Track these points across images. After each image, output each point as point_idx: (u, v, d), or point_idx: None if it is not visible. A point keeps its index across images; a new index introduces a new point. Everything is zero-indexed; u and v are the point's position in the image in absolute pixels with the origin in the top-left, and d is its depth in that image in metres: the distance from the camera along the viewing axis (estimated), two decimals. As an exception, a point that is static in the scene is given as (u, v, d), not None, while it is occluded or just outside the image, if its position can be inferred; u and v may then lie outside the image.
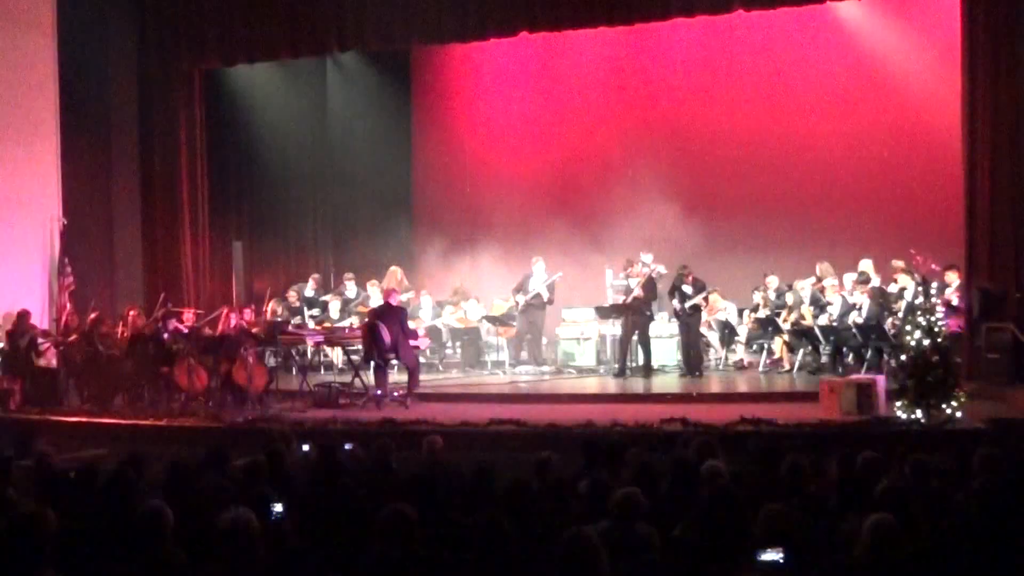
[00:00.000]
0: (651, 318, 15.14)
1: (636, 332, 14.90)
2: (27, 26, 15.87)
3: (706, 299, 14.97)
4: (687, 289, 14.76)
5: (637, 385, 14.36)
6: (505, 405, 12.60)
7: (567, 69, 18.00)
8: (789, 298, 14.93)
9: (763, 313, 15.12)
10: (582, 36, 16.75)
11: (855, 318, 13.79)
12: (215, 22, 16.29)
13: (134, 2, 16.74)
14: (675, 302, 14.92)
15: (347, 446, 8.90)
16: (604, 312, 15.54)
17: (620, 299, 15.17)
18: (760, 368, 15.19)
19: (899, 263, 13.91)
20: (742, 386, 14.12)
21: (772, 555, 4.90)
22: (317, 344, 15.68)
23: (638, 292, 14.76)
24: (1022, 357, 11.69)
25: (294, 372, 15.58)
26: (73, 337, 14.43)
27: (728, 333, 15.66)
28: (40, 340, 14.62)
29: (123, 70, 16.77)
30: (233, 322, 14.27)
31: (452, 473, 7.38)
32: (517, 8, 14.89)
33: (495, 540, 4.95)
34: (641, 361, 15.06)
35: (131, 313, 14.69)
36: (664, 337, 15.75)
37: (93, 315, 14.44)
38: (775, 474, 6.78)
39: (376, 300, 15.61)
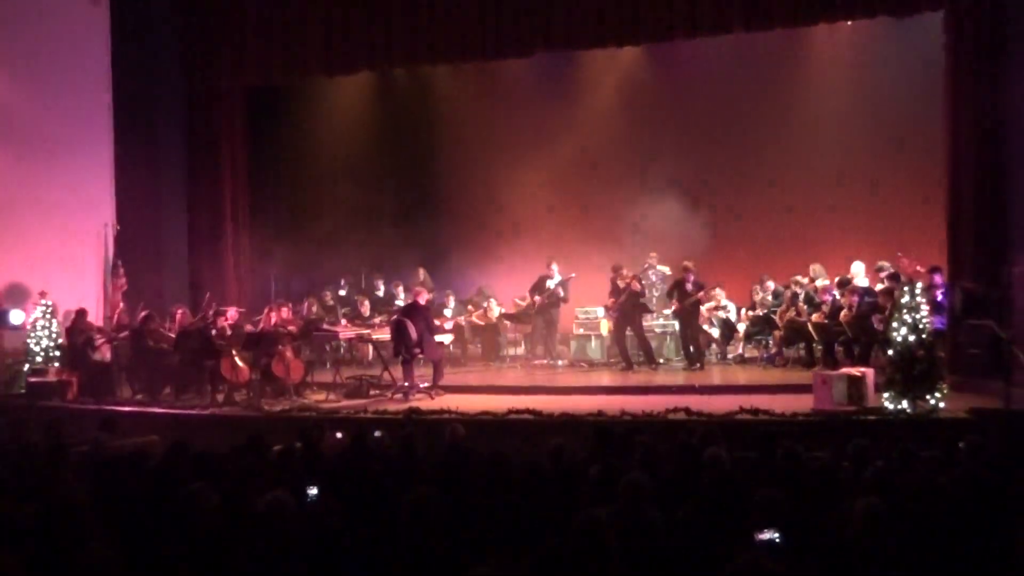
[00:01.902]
0: (640, 313, 15.07)
1: (628, 327, 14.88)
2: (84, 49, 15.99)
3: (705, 292, 14.91)
4: (688, 287, 14.75)
5: (643, 378, 14.32)
6: (522, 396, 12.57)
7: (579, 89, 17.95)
8: (785, 297, 14.87)
9: (761, 311, 15.09)
10: (593, 56, 16.73)
11: (846, 316, 13.73)
12: (255, 44, 16.36)
13: (181, 25, 16.81)
14: (674, 299, 14.92)
15: (376, 433, 8.90)
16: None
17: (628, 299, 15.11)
18: (758, 362, 15.15)
19: (884, 264, 13.87)
20: (741, 378, 14.05)
21: (769, 536, 4.88)
22: (349, 340, 15.71)
23: (623, 297, 14.75)
24: (1001, 352, 11.61)
25: (328, 365, 15.58)
26: (124, 333, 14.49)
27: (728, 329, 15.62)
28: (95, 336, 14.69)
29: (171, 88, 16.86)
30: (273, 320, 14.30)
31: (473, 459, 7.37)
32: (533, 30, 14.89)
33: (512, 521, 4.94)
34: (651, 355, 15.06)
35: (179, 311, 14.74)
36: (669, 333, 15.73)
37: (143, 313, 14.50)
38: (772, 460, 6.75)
39: (403, 299, 15.64)
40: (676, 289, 14.87)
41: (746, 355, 15.57)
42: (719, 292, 15.48)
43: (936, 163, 13.62)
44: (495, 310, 16.64)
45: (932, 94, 13.74)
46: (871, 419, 10.42)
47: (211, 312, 14.55)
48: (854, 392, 11.02)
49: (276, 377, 13.72)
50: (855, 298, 13.72)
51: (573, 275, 15.98)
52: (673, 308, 14.94)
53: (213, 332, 14.10)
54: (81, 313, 14.76)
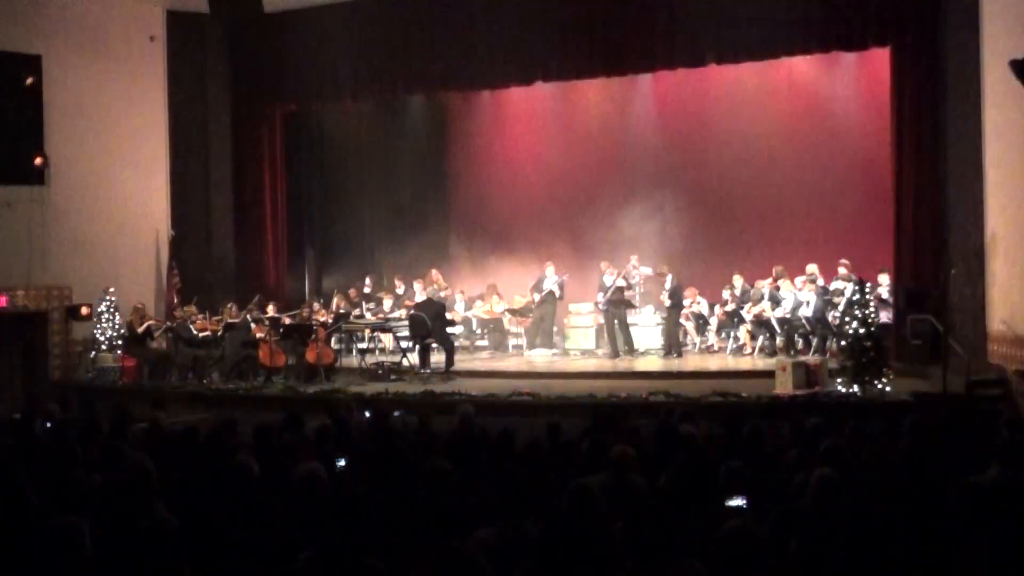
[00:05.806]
0: (626, 308, 15.07)
1: (616, 321, 14.89)
2: (144, 78, 16.04)
3: (671, 294, 14.92)
4: (666, 286, 14.81)
5: (628, 364, 14.30)
6: (523, 380, 12.58)
7: (572, 112, 17.92)
8: (751, 295, 14.86)
9: (730, 307, 15.07)
10: (585, 85, 16.71)
11: (804, 312, 13.73)
12: (292, 73, 16.38)
13: (230, 56, 16.84)
14: (662, 296, 14.97)
15: (396, 413, 8.90)
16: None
17: (614, 295, 15.09)
18: (727, 351, 15.14)
19: (845, 262, 13.86)
20: (713, 366, 14.04)
21: (737, 502, 4.89)
22: (373, 331, 15.71)
23: (621, 283, 14.75)
24: (939, 342, 11.61)
25: (354, 353, 15.58)
26: (176, 323, 14.52)
27: (702, 323, 15.62)
28: (153, 327, 14.71)
29: (220, 111, 16.86)
30: (306, 313, 14.30)
31: (481, 435, 7.37)
32: (533, 62, 14.95)
33: (515, 488, 4.93)
34: (632, 345, 15.04)
35: (228, 306, 14.75)
36: (651, 326, 15.72)
37: (187, 307, 14.53)
38: (739, 436, 6.75)
39: (419, 296, 15.64)
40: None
41: (717, 346, 15.56)
42: (694, 290, 15.47)
43: (884, 179, 13.62)
44: (499, 305, 16.64)
45: (880, 119, 13.74)
46: (825, 401, 10.42)
47: (254, 308, 14.58)
48: (811, 378, 11.03)
49: (310, 363, 13.74)
50: (812, 296, 13.73)
51: (567, 276, 16.00)
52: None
53: (254, 325, 14.13)
54: (140, 307, 14.77)
